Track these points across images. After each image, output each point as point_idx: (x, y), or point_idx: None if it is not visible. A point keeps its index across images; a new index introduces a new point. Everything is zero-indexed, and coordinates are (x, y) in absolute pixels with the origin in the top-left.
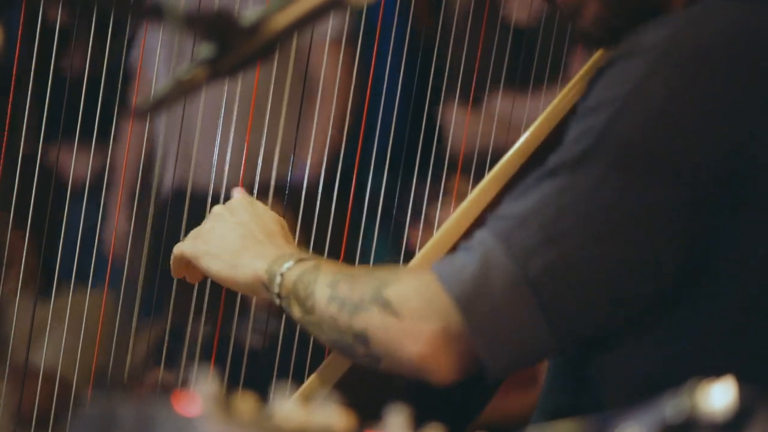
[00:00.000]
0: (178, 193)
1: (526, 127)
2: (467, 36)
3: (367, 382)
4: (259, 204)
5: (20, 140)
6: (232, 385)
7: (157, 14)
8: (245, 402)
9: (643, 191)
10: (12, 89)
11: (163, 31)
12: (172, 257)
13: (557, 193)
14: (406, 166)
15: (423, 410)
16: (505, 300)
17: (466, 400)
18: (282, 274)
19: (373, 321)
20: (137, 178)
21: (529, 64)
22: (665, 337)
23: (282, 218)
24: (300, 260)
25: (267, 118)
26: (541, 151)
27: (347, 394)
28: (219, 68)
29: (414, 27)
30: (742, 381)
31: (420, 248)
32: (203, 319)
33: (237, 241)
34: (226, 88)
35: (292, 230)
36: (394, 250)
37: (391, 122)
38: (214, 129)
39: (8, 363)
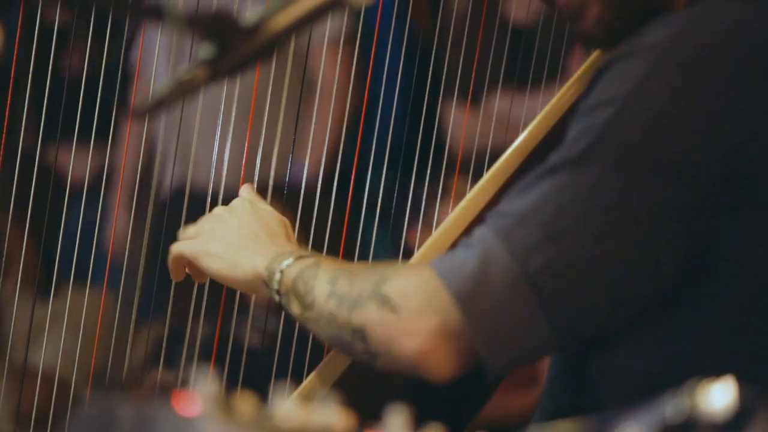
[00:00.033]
0: (178, 193)
1: (525, 126)
2: (466, 36)
3: (367, 380)
4: (263, 204)
5: (20, 140)
6: (231, 384)
7: (157, 14)
8: (245, 402)
9: (643, 191)
10: (10, 89)
11: (163, 32)
12: (169, 258)
13: (557, 191)
14: (405, 166)
15: (422, 409)
16: (504, 297)
17: (465, 399)
18: (282, 271)
19: (371, 317)
20: (137, 178)
21: (527, 63)
22: (665, 337)
23: (284, 218)
24: (300, 257)
25: (267, 118)
26: (540, 151)
27: (346, 393)
28: (219, 68)
29: (413, 27)
30: (742, 381)
31: (419, 248)
32: (201, 318)
33: (237, 240)
34: (225, 88)
35: (292, 230)
36: (392, 250)
37: (391, 122)
38: (214, 129)
39: (7, 362)
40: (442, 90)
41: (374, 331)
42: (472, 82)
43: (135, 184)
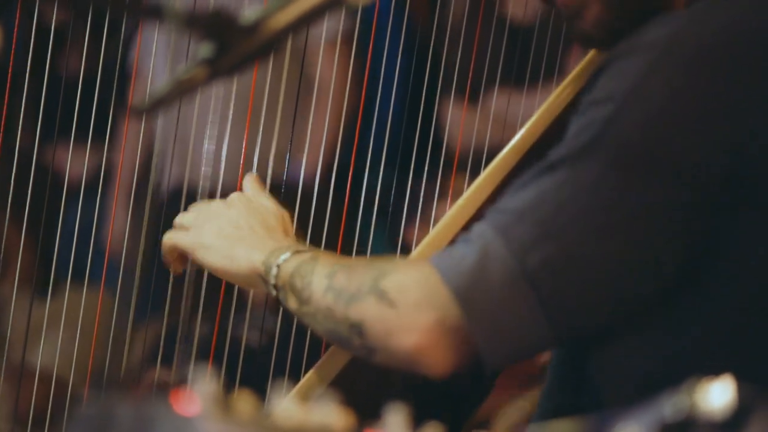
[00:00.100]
0: (177, 192)
1: (522, 124)
2: (465, 34)
3: (365, 379)
4: (264, 197)
5: (17, 139)
6: (230, 383)
7: (156, 14)
8: (244, 401)
9: (643, 190)
10: (7, 88)
11: (163, 31)
12: (163, 248)
13: (556, 187)
14: (404, 164)
15: (421, 408)
16: (503, 293)
17: (464, 397)
18: (278, 266)
19: (369, 311)
20: (137, 178)
21: (525, 61)
22: (665, 337)
23: (285, 213)
24: (297, 252)
25: (268, 117)
26: (537, 149)
27: (345, 391)
28: (218, 68)
29: (411, 26)
30: (742, 380)
31: (417, 245)
32: (199, 317)
33: (234, 234)
34: (225, 87)
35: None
36: (391, 248)
37: (389, 119)
38: (213, 128)
39: (6, 362)
40: (439, 88)
41: (372, 326)
42: (469, 81)
43: (134, 184)
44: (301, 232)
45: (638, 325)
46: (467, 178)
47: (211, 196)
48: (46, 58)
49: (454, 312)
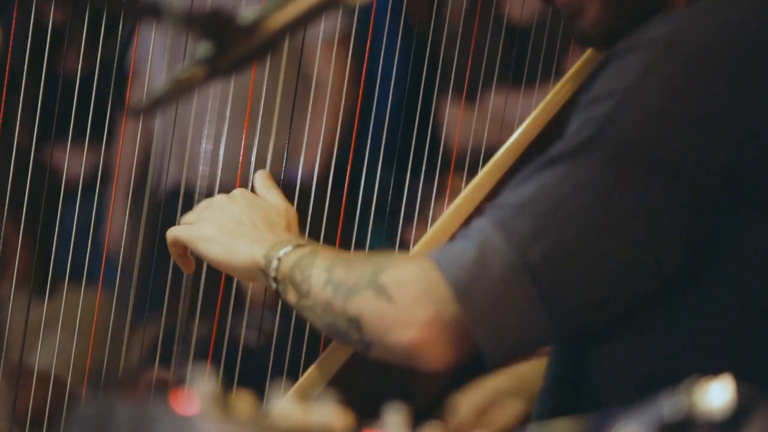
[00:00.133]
0: (176, 192)
1: (520, 123)
2: (463, 33)
3: (364, 377)
4: (274, 194)
5: (15, 138)
6: (229, 383)
7: (155, 13)
8: (243, 400)
9: (643, 189)
10: (5, 87)
11: (162, 30)
12: (168, 244)
13: (557, 182)
14: (402, 164)
15: (418, 406)
16: (504, 287)
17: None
18: (279, 259)
19: (367, 306)
20: (137, 177)
21: (524, 61)
22: (665, 337)
23: (291, 209)
24: (298, 246)
25: (268, 117)
26: (535, 147)
27: (343, 390)
28: (217, 67)
29: (409, 25)
30: (742, 380)
31: (414, 245)
32: (197, 317)
33: (236, 228)
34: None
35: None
36: (389, 248)
37: (389, 119)
38: (212, 127)
39: (5, 363)
40: (436, 87)
41: (369, 321)
42: (467, 80)
43: (131, 183)
44: (300, 231)
45: (638, 324)
46: (465, 177)
47: (210, 195)
48: (46, 58)
49: (453, 307)
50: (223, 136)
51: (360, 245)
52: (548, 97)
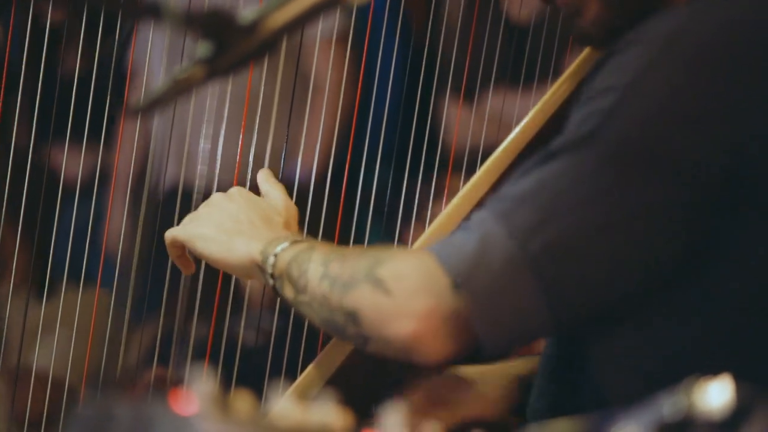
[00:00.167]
0: (175, 192)
1: (519, 122)
2: (463, 33)
3: (362, 376)
4: (277, 192)
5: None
6: (228, 383)
7: (155, 13)
8: (242, 400)
9: (642, 187)
10: (2, 87)
11: (161, 30)
12: (166, 244)
13: (557, 174)
14: (401, 163)
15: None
16: (504, 278)
17: None
18: (276, 255)
19: (364, 299)
20: (138, 178)
21: (524, 60)
22: (665, 337)
23: (292, 207)
24: (295, 242)
25: (269, 117)
26: (533, 146)
27: (342, 389)
28: (217, 67)
29: (408, 25)
30: (742, 380)
31: (413, 244)
32: (195, 317)
33: (233, 226)
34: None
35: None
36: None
37: (388, 119)
38: (211, 126)
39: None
40: (434, 86)
41: (367, 314)
42: (465, 78)
43: (132, 183)
44: (299, 230)
45: (638, 323)
46: (463, 176)
47: (208, 195)
48: (44, 58)
49: (452, 299)
50: (221, 136)
51: (358, 244)
52: (546, 96)
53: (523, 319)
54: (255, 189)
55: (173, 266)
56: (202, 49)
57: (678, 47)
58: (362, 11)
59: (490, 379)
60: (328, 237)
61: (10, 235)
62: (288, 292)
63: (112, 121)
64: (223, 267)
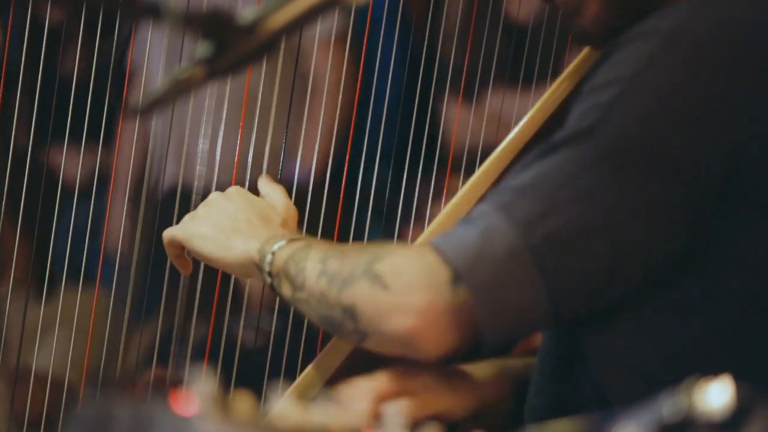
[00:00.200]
0: (175, 192)
1: (517, 123)
2: (462, 34)
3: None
4: (278, 195)
5: (22, 142)
6: (227, 383)
7: (154, 13)
8: (242, 401)
9: (642, 183)
10: (2, 88)
11: (161, 30)
12: (164, 243)
13: (558, 167)
14: (399, 164)
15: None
16: (506, 268)
17: None
18: (273, 253)
19: (362, 295)
20: (135, 177)
21: (521, 59)
22: (665, 337)
23: (292, 207)
24: (292, 240)
25: (270, 117)
26: (532, 146)
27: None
28: (217, 67)
29: (408, 23)
30: (742, 380)
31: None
32: (194, 318)
33: (231, 225)
34: (224, 86)
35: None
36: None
37: (388, 119)
38: (210, 127)
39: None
40: (433, 85)
41: (364, 310)
42: (463, 77)
43: (132, 183)
44: (298, 229)
45: (638, 323)
46: (462, 176)
47: (207, 195)
48: (42, 57)
49: (451, 293)
50: (220, 137)
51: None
52: (545, 95)
53: (524, 311)
54: (254, 189)
55: (173, 266)
56: (202, 49)
57: (678, 44)
58: (361, 11)
59: (479, 375)
60: (328, 237)
61: (10, 235)
62: (285, 290)
63: (112, 121)
64: (221, 266)
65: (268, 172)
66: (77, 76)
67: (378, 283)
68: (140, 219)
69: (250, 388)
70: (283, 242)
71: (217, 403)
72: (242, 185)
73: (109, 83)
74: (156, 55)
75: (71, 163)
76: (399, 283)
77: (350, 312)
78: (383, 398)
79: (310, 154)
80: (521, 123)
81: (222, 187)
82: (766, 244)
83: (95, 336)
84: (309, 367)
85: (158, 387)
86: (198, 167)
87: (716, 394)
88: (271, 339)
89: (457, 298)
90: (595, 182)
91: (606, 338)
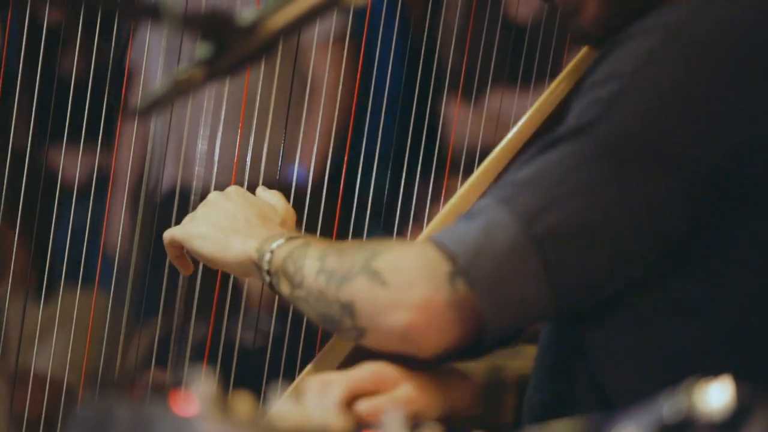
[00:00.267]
0: (174, 193)
1: (516, 122)
2: (461, 34)
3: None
4: (275, 197)
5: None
6: (227, 384)
7: (154, 14)
8: (242, 401)
9: (642, 179)
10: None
11: (160, 31)
12: (165, 244)
13: (559, 160)
14: (399, 165)
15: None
16: (509, 260)
17: None
18: (272, 251)
19: (360, 291)
20: (134, 179)
21: (519, 60)
22: (665, 337)
23: (290, 210)
24: (290, 238)
25: (269, 119)
26: (531, 146)
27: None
28: (216, 68)
29: (407, 25)
30: (742, 380)
31: None
32: (193, 318)
33: (230, 224)
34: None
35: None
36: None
37: (388, 120)
38: (210, 128)
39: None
40: (431, 88)
41: (363, 306)
42: (462, 77)
43: (136, 184)
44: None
45: (638, 323)
46: (462, 177)
47: (206, 196)
48: (47, 59)
49: (451, 289)
50: (218, 138)
51: None
52: (544, 95)
53: (525, 303)
54: (252, 190)
55: (172, 267)
56: (202, 50)
57: (679, 40)
58: (360, 12)
59: (451, 379)
60: (327, 237)
61: (9, 236)
62: (284, 288)
63: (111, 122)
64: (221, 265)
65: (267, 173)
66: (76, 76)
67: (376, 280)
68: (139, 219)
69: (249, 389)
70: (281, 241)
71: (216, 404)
72: (241, 186)
73: (107, 84)
74: (155, 56)
75: (70, 164)
76: (397, 279)
77: (348, 309)
78: (352, 393)
79: (309, 155)
80: (520, 123)
81: (221, 188)
82: (766, 244)
83: (94, 337)
84: (308, 367)
85: (158, 388)
86: (197, 168)
87: (716, 394)
88: (270, 339)
89: (456, 293)
90: (595, 176)
91: (606, 336)
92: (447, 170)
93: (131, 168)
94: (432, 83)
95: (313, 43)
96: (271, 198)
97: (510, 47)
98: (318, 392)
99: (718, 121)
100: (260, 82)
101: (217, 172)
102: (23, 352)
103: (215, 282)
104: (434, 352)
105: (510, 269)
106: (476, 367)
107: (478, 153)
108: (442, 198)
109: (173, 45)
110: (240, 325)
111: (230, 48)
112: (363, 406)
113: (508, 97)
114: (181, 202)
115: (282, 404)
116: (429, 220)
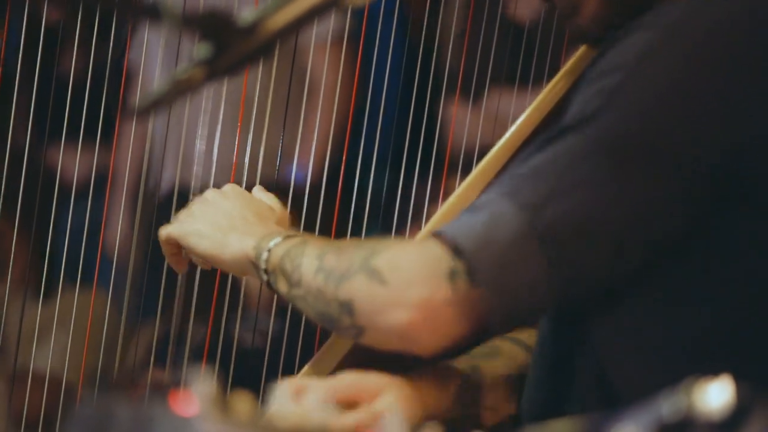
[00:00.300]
0: (173, 194)
1: (514, 122)
2: (459, 34)
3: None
4: (271, 199)
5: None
6: (227, 384)
7: (153, 14)
8: (242, 401)
9: (642, 176)
10: None
11: (159, 31)
12: (160, 241)
13: (563, 152)
14: (398, 166)
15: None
16: (514, 251)
17: None
18: (269, 250)
19: (359, 290)
20: (134, 179)
21: (517, 60)
22: (665, 337)
23: (285, 211)
24: (288, 237)
25: (270, 120)
26: (529, 145)
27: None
28: (215, 68)
29: (407, 25)
30: (742, 380)
31: None
32: (191, 318)
33: (227, 222)
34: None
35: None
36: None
37: (387, 121)
38: (209, 128)
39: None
40: (430, 88)
41: (361, 305)
42: (460, 78)
43: (135, 184)
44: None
45: (638, 322)
46: (460, 176)
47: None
48: (44, 58)
49: (450, 285)
50: (216, 138)
51: None
52: (541, 95)
53: (530, 292)
54: (251, 190)
55: (171, 267)
56: (201, 50)
57: (679, 37)
58: (359, 12)
59: (429, 382)
60: (326, 237)
61: (9, 236)
62: (282, 287)
63: (110, 122)
64: (218, 264)
65: (265, 173)
66: (75, 76)
67: (375, 278)
68: (138, 220)
69: (248, 389)
70: (279, 239)
71: (216, 404)
72: (240, 186)
73: (106, 83)
74: (154, 56)
75: (69, 164)
76: (397, 277)
77: (347, 307)
78: (333, 395)
79: (307, 156)
80: (518, 122)
81: (219, 188)
82: (766, 243)
83: (94, 336)
84: (306, 367)
85: (157, 387)
86: (196, 168)
87: (716, 394)
88: (269, 339)
89: (457, 291)
90: (597, 171)
91: (606, 334)
92: (445, 170)
93: (130, 168)
94: (430, 83)
95: (311, 43)
96: (266, 199)
97: (508, 47)
98: (291, 397)
99: (717, 121)
100: (259, 83)
101: (215, 172)
102: (22, 351)
103: (214, 282)
104: (434, 350)
105: (516, 259)
106: (452, 369)
107: (476, 153)
108: (441, 198)
109: (172, 45)
110: (239, 325)
111: (229, 48)
112: (350, 419)
113: (507, 97)
114: (179, 201)
115: (281, 404)
116: (427, 220)
